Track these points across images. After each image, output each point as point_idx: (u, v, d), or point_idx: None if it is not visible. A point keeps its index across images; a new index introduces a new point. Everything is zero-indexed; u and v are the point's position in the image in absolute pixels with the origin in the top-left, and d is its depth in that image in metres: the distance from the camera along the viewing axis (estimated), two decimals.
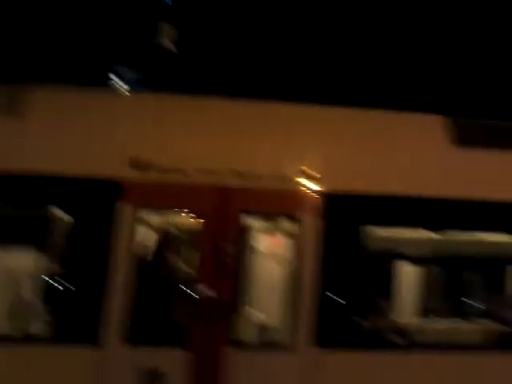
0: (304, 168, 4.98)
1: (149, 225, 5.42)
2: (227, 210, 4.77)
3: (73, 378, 4.34)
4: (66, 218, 4.60)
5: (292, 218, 4.98)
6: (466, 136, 5.51)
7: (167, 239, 5.23)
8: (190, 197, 4.76)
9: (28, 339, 4.56)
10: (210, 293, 4.60)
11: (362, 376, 4.75)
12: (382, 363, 4.87)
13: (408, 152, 5.32)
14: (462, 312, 7.30)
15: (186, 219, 5.61)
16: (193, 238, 4.83)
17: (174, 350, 4.53)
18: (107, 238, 4.53)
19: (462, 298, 6.96)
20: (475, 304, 6.84)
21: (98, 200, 4.63)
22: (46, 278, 4.60)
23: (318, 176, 4.98)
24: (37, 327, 4.98)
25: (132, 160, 4.69)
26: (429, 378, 4.88)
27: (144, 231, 4.83)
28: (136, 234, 4.64)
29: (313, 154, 5.09)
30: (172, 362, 4.47)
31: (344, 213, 4.98)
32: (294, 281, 4.83)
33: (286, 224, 6.07)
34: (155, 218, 5.76)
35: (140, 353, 4.45)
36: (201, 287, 4.61)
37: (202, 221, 4.75)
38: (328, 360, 4.66)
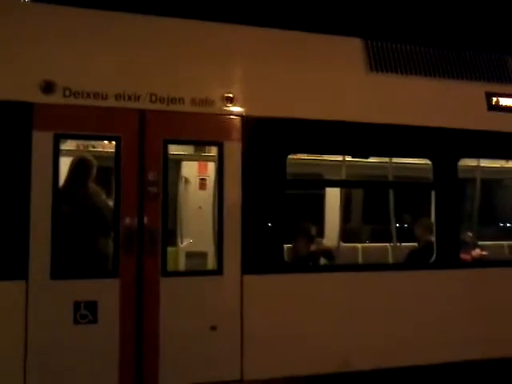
0: (226, 92, 4.89)
1: (67, 152, 5.27)
2: (148, 136, 4.62)
3: (3, 315, 4.22)
4: None
5: (214, 142, 4.92)
6: (383, 60, 5.60)
7: (87, 167, 5.11)
8: (109, 122, 4.56)
9: None
10: (136, 223, 4.53)
11: (289, 299, 4.88)
12: (307, 286, 4.99)
13: (328, 76, 5.30)
14: (383, 234, 7.73)
15: (104, 146, 5.49)
16: (113, 165, 4.62)
17: (104, 281, 4.49)
18: (24, 167, 4.30)
19: (382, 220, 7.35)
20: (395, 226, 7.24)
21: (11, 125, 4.33)
22: None
23: (239, 100, 4.89)
24: None
25: (45, 83, 4.41)
26: (351, 296, 5.08)
27: (62, 159, 4.64)
28: (53, 161, 4.39)
29: (234, 77, 4.99)
30: (103, 292, 4.44)
31: (265, 137, 4.95)
32: (220, 207, 4.82)
33: (207, 148, 6.10)
34: (73, 144, 5.63)
35: (70, 285, 4.38)
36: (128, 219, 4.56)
37: (123, 147, 4.55)
38: (254, 284, 4.77)
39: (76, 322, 4.37)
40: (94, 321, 4.40)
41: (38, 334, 4.28)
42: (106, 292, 4.46)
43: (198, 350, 4.59)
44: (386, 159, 6.65)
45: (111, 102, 4.58)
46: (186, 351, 4.56)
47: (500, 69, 6.08)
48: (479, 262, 6.26)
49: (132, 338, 4.49)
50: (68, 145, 5.31)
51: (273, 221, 4.95)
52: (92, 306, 4.41)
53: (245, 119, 4.89)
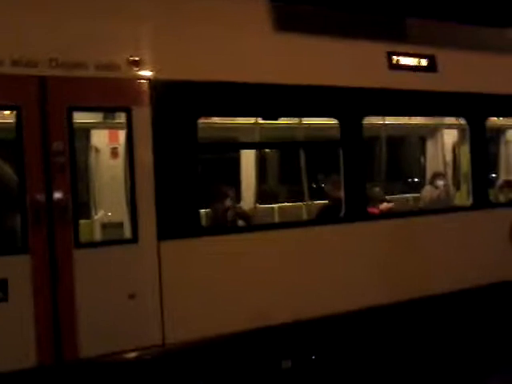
0: (131, 55, 4.71)
1: None
2: (50, 104, 4.41)
3: None
4: None
5: (122, 108, 4.78)
6: (288, 21, 5.63)
7: None
8: (6, 90, 4.30)
9: None
10: (44, 196, 4.36)
11: (207, 262, 4.92)
12: (223, 247, 5.04)
13: (233, 38, 5.25)
14: (296, 192, 7.99)
15: (4, 117, 5.18)
16: (16, 138, 4.37)
17: (13, 258, 4.32)
18: None
19: (296, 180, 7.60)
20: (307, 184, 7.50)
21: None
22: None
23: (146, 63, 4.76)
24: None
25: None
26: (269, 255, 5.22)
27: None
28: None
29: (140, 40, 4.82)
30: (13, 269, 4.27)
31: (174, 101, 4.87)
32: (132, 175, 4.71)
33: (117, 116, 5.93)
34: None
35: None
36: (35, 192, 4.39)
37: (24, 118, 4.31)
38: (171, 250, 4.77)
39: None
40: (5, 299, 4.24)
41: None
42: (17, 269, 4.30)
43: (117, 319, 4.56)
44: (297, 121, 6.85)
45: (8, 69, 4.30)
46: (105, 321, 4.52)
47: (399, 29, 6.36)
48: (386, 214, 6.70)
49: (48, 313, 4.38)
50: None
51: (187, 186, 4.94)
52: (2, 284, 4.24)
53: (152, 83, 4.77)
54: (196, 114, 5.02)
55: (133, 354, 4.60)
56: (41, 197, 4.38)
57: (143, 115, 4.73)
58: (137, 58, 4.76)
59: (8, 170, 4.83)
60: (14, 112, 4.41)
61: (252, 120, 6.53)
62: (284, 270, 5.30)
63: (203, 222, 5.45)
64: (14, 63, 4.32)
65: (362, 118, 5.80)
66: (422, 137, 9.01)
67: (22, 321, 4.30)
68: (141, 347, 4.65)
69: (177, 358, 4.80)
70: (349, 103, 5.73)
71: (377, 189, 7.41)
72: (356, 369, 5.72)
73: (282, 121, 6.40)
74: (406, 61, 6.21)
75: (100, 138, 6.42)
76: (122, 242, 4.94)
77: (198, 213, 5.10)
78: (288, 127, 6.94)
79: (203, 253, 4.94)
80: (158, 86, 4.78)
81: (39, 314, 4.35)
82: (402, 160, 9.97)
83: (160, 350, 4.71)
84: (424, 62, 6.28)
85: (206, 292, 4.92)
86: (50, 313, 4.39)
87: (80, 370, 4.47)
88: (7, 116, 5.02)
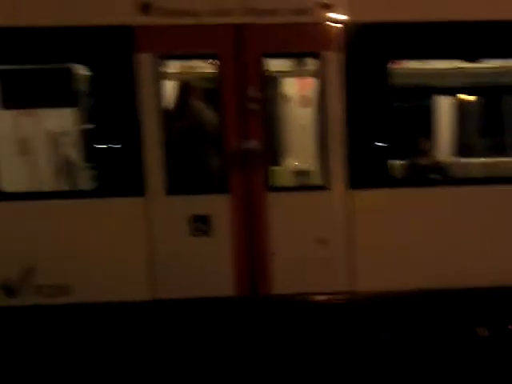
0: None
1: (169, 74, 5.37)
2: (247, 52, 4.55)
3: (123, 230, 4.57)
4: (86, 71, 4.60)
5: (314, 54, 4.72)
6: None
7: (190, 88, 5.19)
8: (205, 39, 4.55)
9: (77, 194, 4.86)
10: (243, 142, 4.59)
11: (399, 214, 4.73)
12: (419, 201, 4.80)
13: None
14: (500, 146, 7.17)
15: (205, 65, 5.50)
16: (215, 84, 4.67)
17: (215, 196, 4.68)
18: (130, 90, 4.47)
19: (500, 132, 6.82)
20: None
21: (115, 49, 4.48)
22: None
23: (338, 6, 4.61)
24: (82, 183, 5.32)
25: (143, 4, 4.44)
26: (468, 212, 4.82)
27: (165, 81, 4.73)
28: (158, 84, 4.52)
29: None
30: (215, 207, 4.64)
31: (367, 45, 4.66)
32: (324, 123, 4.69)
33: (308, 63, 5.87)
34: (174, 66, 5.70)
35: (183, 201, 4.62)
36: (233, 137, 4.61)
37: (222, 65, 4.55)
38: (361, 199, 4.69)
39: (192, 234, 4.61)
40: (209, 234, 4.61)
41: (158, 245, 4.58)
42: (219, 207, 4.62)
43: (309, 261, 4.66)
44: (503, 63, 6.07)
45: (207, 19, 4.52)
46: (297, 263, 4.65)
47: None
48: None
49: (245, 248, 4.66)
50: (170, 67, 5.43)
51: (380, 135, 4.74)
52: (207, 220, 4.61)
53: (344, 26, 4.62)
54: (390, 57, 4.73)
55: (322, 297, 4.70)
56: (237, 142, 4.61)
57: (335, 60, 4.62)
58: (328, 2, 4.63)
59: (210, 114, 5.14)
60: (213, 60, 4.67)
61: (450, 64, 5.97)
62: (486, 230, 4.81)
63: (396, 172, 5.20)
64: (212, 13, 4.53)
65: None
66: None
67: (224, 254, 4.65)
68: (330, 291, 4.71)
69: (366, 306, 4.75)
70: None
71: None
72: None
73: (485, 65, 5.72)
74: None
75: (290, 86, 6.50)
76: (313, 188, 4.99)
77: (391, 163, 4.90)
78: (492, 72, 6.21)
79: (396, 204, 4.75)
80: (350, 30, 4.61)
81: (238, 249, 4.67)
82: None
83: (350, 296, 4.73)
84: None
85: (396, 244, 4.74)
86: (247, 248, 4.68)
87: (272, 305, 4.70)
88: (207, 66, 5.37)
